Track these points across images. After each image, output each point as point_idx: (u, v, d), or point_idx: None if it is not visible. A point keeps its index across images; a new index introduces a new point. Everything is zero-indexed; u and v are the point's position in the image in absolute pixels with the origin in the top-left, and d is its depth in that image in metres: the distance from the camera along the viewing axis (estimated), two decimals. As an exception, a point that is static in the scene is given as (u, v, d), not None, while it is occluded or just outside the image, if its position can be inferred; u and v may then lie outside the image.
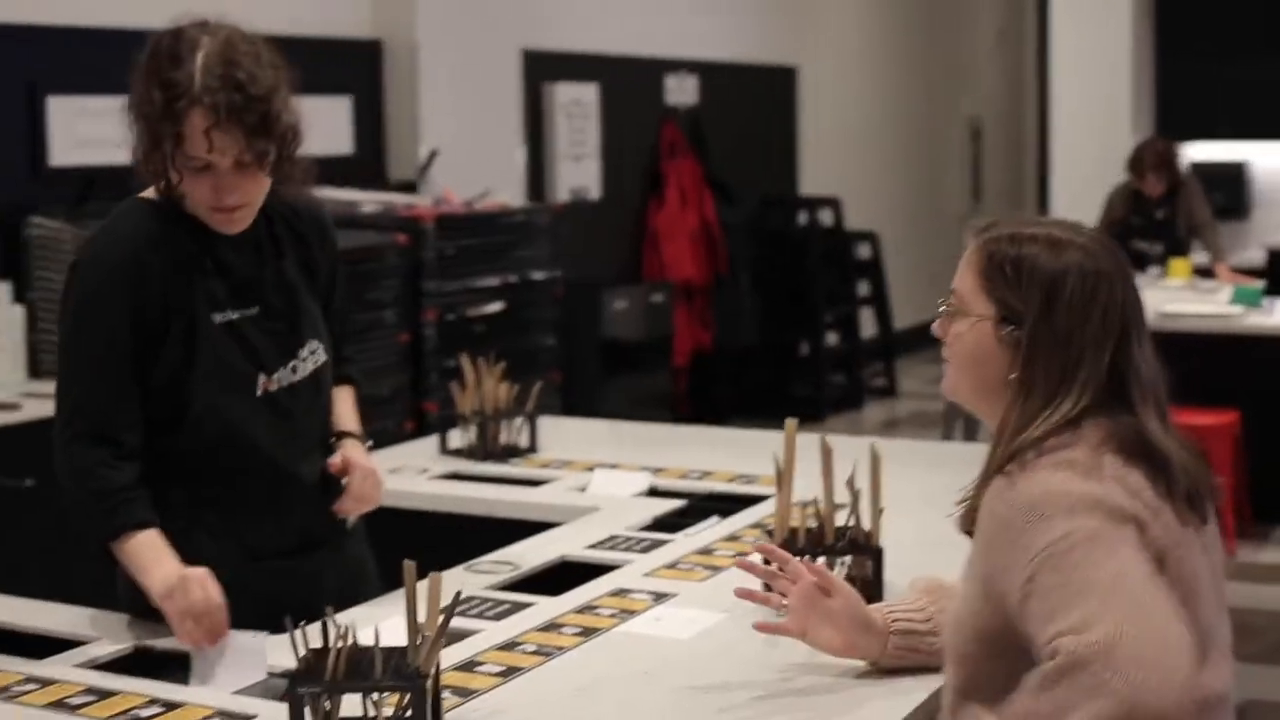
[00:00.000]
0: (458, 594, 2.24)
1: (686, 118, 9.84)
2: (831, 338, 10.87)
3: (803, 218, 10.71)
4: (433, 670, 2.15)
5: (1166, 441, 2.10)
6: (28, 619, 2.83)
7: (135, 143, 2.69)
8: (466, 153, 7.71)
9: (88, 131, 5.93)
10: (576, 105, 8.86)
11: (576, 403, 7.54)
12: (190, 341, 2.73)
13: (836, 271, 10.82)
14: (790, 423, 2.76)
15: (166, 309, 2.71)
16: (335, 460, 2.90)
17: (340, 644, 2.10)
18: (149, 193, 2.78)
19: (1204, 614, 2.05)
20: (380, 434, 3.31)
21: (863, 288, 11.33)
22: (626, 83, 9.30)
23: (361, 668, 2.12)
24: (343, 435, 3.00)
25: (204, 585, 2.59)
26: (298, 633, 2.15)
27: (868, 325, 11.29)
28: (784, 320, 10.42)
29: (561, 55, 8.79)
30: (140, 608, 2.78)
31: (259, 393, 2.80)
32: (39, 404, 4.94)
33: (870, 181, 12.14)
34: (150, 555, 2.64)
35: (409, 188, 7.43)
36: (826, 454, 2.72)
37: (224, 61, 2.61)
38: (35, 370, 5.55)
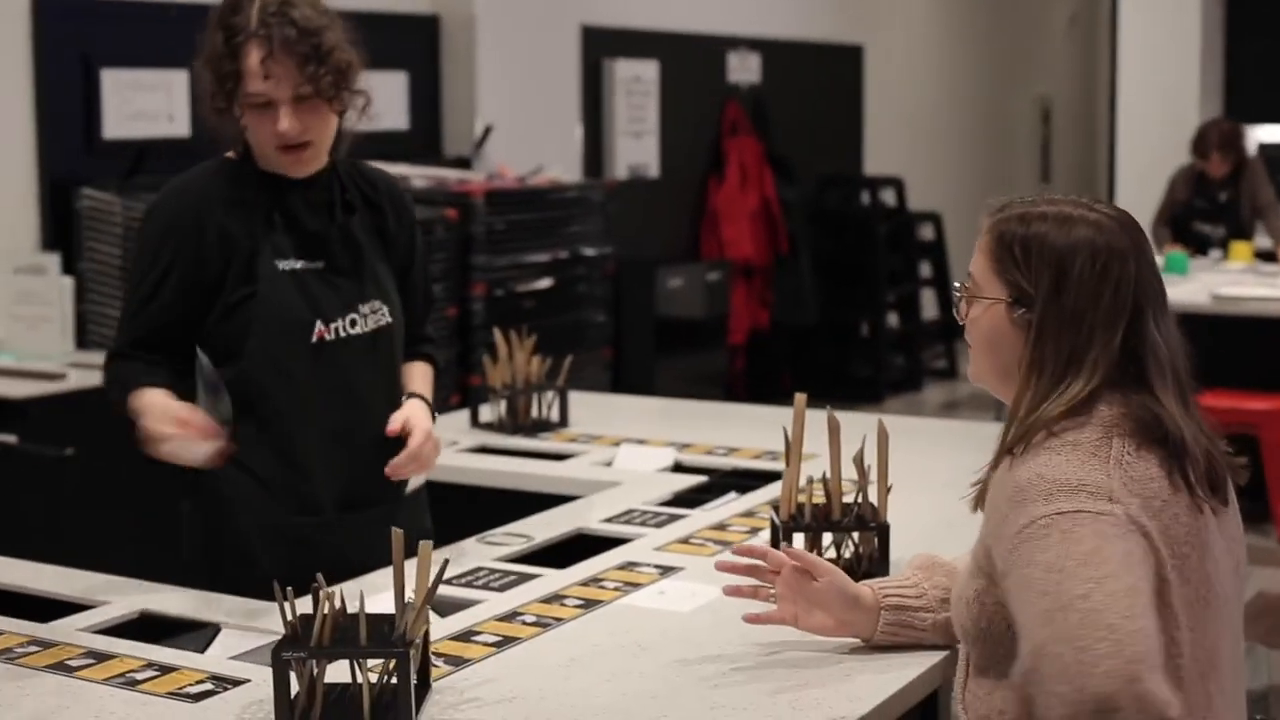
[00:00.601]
0: (445, 562, 2.24)
1: (749, 96, 9.80)
2: (892, 319, 10.81)
3: (865, 197, 10.65)
4: (418, 638, 2.15)
5: (1184, 422, 2.06)
6: (45, 584, 2.85)
7: (205, 92, 2.84)
8: (524, 129, 7.71)
9: (141, 105, 5.98)
10: (636, 82, 8.84)
11: (629, 380, 7.54)
12: (250, 284, 2.84)
13: (899, 252, 10.75)
14: (800, 397, 2.74)
15: (227, 256, 2.84)
16: (395, 422, 2.93)
17: (328, 610, 2.11)
18: (232, 153, 2.93)
19: (1213, 628, 2.02)
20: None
21: (924, 269, 11.25)
22: (688, 60, 9.28)
23: (350, 634, 2.12)
24: (411, 395, 3.05)
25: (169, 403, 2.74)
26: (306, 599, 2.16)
27: (929, 307, 11.23)
28: (844, 300, 10.35)
29: (621, 31, 8.77)
30: (200, 580, 2.86)
31: (313, 339, 2.89)
32: (84, 374, 4.97)
33: (935, 162, 12.05)
34: (143, 406, 2.76)
35: (464, 163, 7.43)
36: (834, 430, 2.70)
37: (280, 4, 2.78)
38: (83, 341, 5.58)
